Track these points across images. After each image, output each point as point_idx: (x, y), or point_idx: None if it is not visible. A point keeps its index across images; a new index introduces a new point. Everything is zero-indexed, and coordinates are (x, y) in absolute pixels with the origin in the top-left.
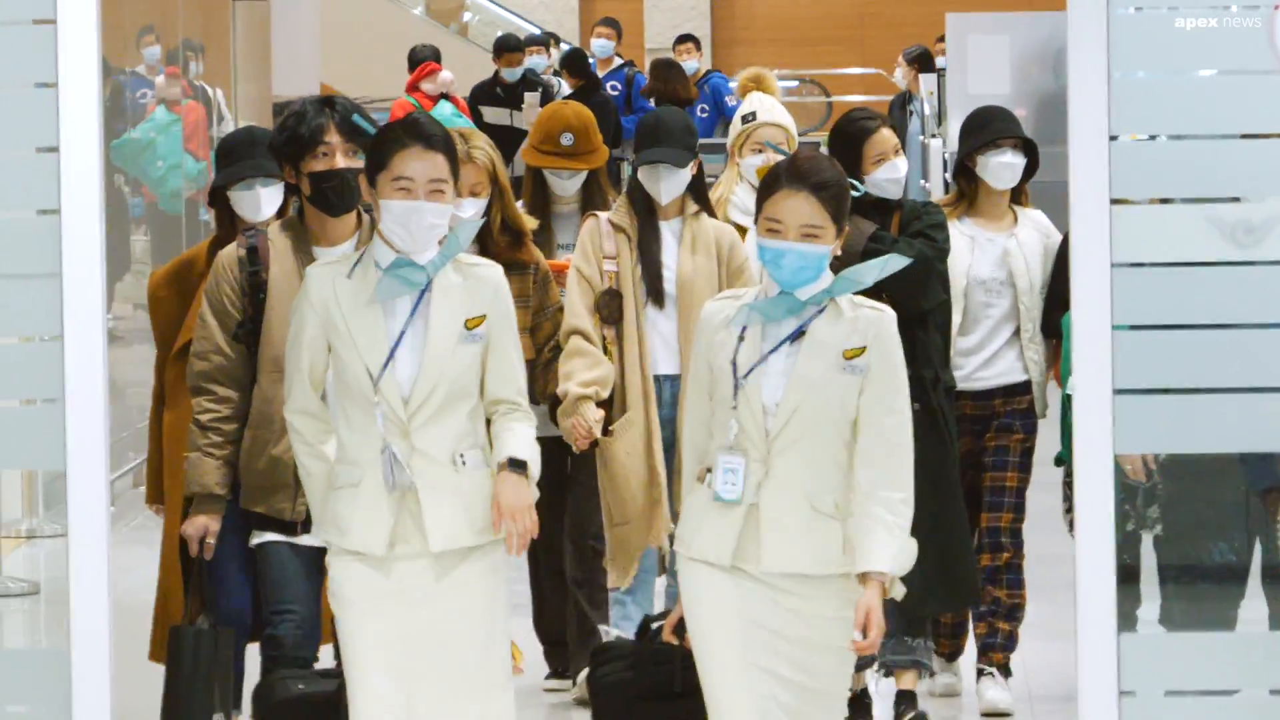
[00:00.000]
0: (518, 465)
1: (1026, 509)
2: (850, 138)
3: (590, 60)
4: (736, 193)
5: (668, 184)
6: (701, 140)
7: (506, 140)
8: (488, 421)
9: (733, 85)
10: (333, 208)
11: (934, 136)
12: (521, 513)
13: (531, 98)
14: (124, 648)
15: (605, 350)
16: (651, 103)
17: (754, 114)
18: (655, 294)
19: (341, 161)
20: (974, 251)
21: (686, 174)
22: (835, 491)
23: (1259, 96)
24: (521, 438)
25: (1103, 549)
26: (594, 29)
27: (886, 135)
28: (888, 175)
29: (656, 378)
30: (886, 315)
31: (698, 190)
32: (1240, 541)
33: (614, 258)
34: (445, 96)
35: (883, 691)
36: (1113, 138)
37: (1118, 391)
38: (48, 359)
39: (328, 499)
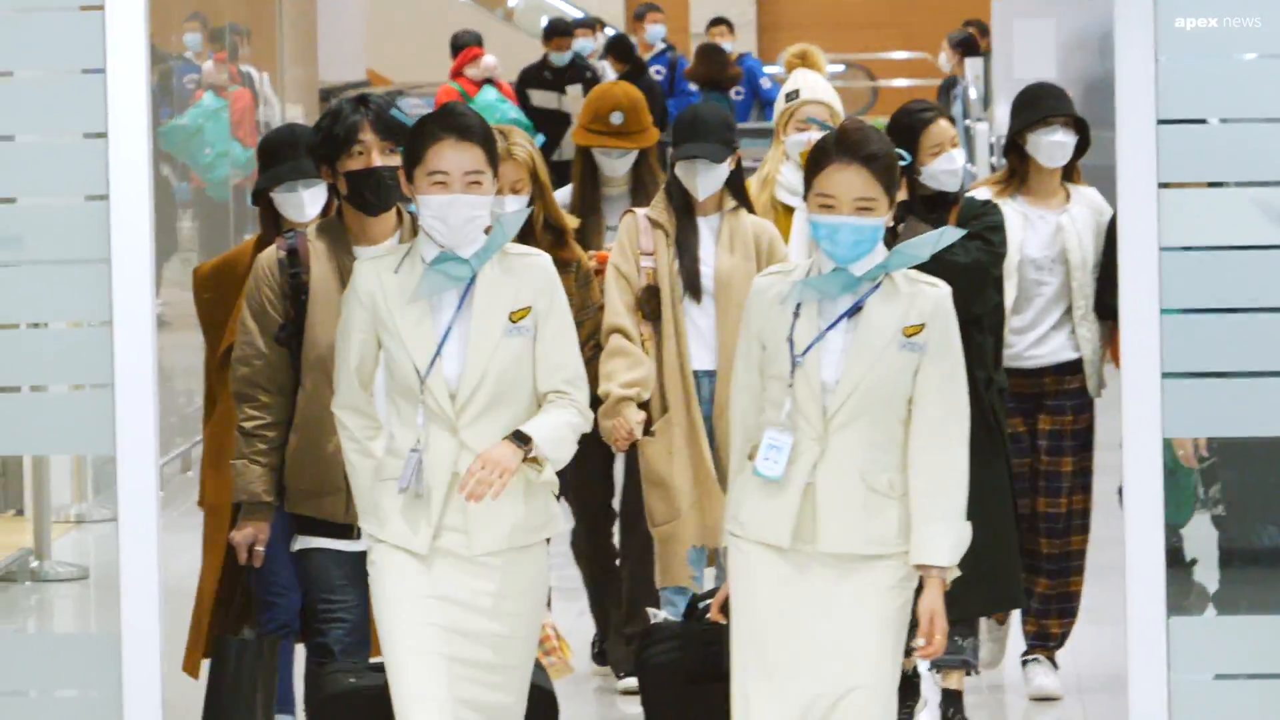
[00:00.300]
0: (520, 437)
1: (1092, 490)
2: (907, 129)
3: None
4: (782, 172)
5: (704, 179)
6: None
7: (554, 124)
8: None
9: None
10: (370, 206)
11: (979, 121)
12: (493, 465)
13: (574, 90)
14: (173, 632)
15: (643, 347)
16: (693, 87)
17: (797, 92)
18: (693, 290)
19: (378, 160)
20: (1026, 229)
21: (724, 169)
22: (891, 470)
23: None
24: (547, 421)
25: (1152, 533)
26: (647, 14)
27: (944, 126)
28: (944, 167)
29: (698, 373)
30: (943, 291)
31: (736, 186)
32: None
33: (652, 254)
34: (490, 81)
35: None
36: (1160, 122)
37: (1165, 375)
38: (98, 344)
39: (373, 489)
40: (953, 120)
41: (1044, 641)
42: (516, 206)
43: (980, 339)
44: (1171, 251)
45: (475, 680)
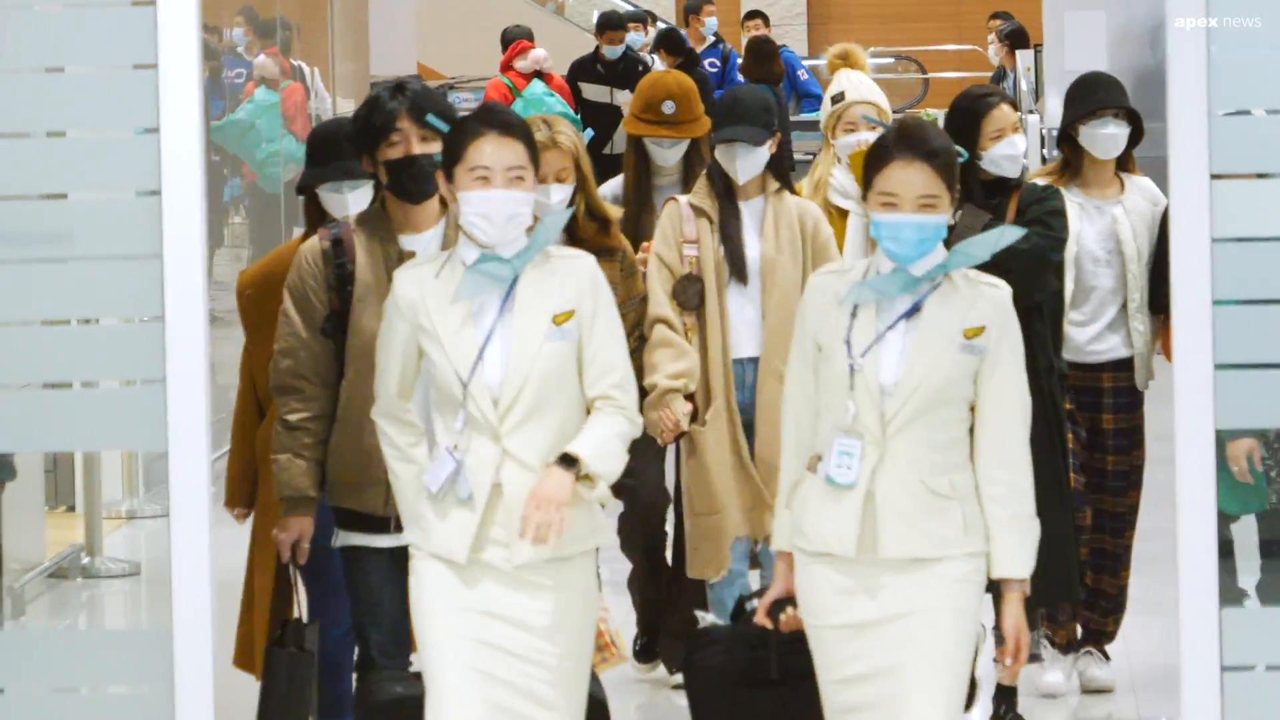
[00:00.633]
0: (567, 460)
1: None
2: (968, 114)
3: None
4: (834, 175)
5: (744, 163)
6: None
7: (606, 118)
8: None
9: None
10: (411, 195)
11: (1030, 113)
12: (548, 504)
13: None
14: (224, 627)
15: (685, 336)
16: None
17: (843, 94)
18: (739, 273)
19: (416, 148)
20: (1082, 220)
21: (764, 152)
22: (951, 471)
23: None
24: (596, 437)
25: (1204, 524)
26: (703, 7)
27: (1006, 111)
28: (1005, 152)
29: (741, 361)
30: (1004, 292)
31: (778, 168)
32: None
33: (694, 241)
34: (539, 74)
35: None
36: (1212, 113)
37: (1218, 367)
38: (150, 340)
39: (419, 497)
40: (1015, 105)
41: (1096, 635)
42: (561, 195)
43: (1040, 326)
44: (1224, 243)
45: (519, 694)
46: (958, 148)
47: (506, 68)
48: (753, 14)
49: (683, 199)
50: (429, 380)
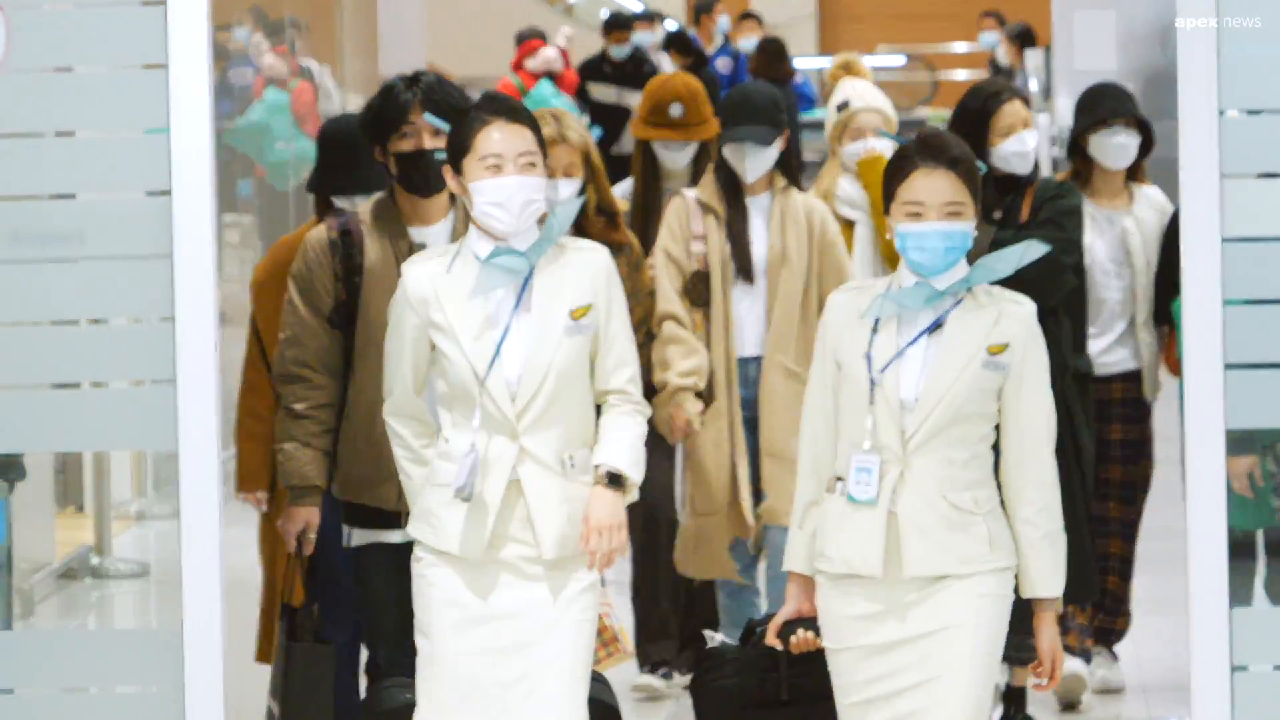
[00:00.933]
0: (615, 480)
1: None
2: (978, 111)
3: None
4: (840, 185)
5: (753, 161)
6: None
7: (614, 118)
8: (598, 409)
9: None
10: (420, 188)
11: (1040, 112)
12: (610, 531)
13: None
14: (234, 627)
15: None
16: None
17: (848, 101)
18: (745, 272)
19: (428, 142)
20: (1093, 231)
21: (773, 150)
22: (974, 487)
23: None
24: (625, 443)
25: (1213, 524)
26: (715, 6)
27: (1016, 108)
28: (1014, 148)
29: (745, 359)
30: (1028, 309)
31: (786, 165)
32: None
33: (702, 238)
34: (550, 75)
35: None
36: (1222, 112)
37: (1229, 366)
38: (160, 340)
39: (427, 496)
40: (1027, 101)
41: (1105, 637)
42: (570, 190)
43: (1055, 325)
44: (1234, 242)
45: (520, 694)
46: (978, 162)
47: (517, 67)
48: (746, 15)
49: (689, 193)
50: (439, 376)
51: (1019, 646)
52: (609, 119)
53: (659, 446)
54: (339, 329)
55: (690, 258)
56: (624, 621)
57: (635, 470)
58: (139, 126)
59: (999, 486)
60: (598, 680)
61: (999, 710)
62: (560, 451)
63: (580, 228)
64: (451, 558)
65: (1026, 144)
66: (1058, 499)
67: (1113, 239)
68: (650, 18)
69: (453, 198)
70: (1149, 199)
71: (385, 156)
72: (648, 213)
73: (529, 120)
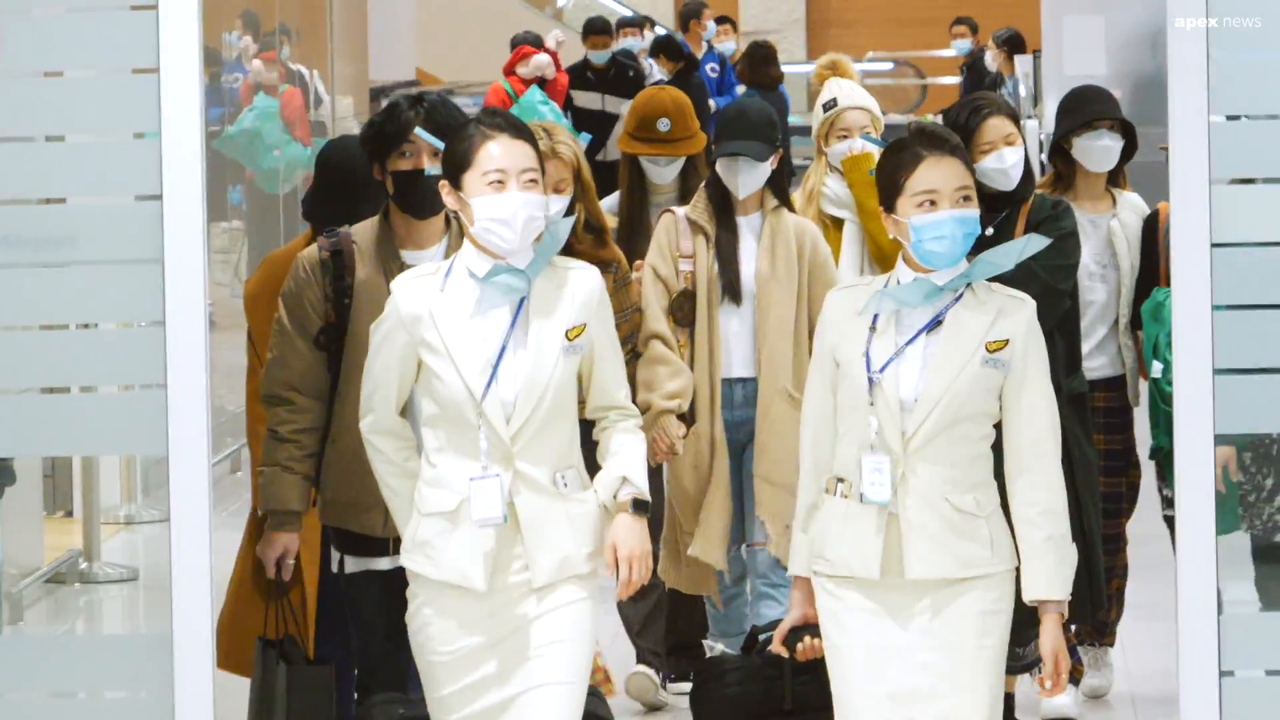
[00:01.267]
0: (640, 507)
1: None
2: (960, 127)
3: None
4: (828, 184)
5: (746, 178)
6: None
7: (597, 125)
8: (585, 424)
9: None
10: (415, 209)
11: (1029, 118)
12: (640, 559)
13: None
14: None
15: (679, 352)
16: (741, 88)
17: (835, 100)
18: (733, 292)
19: (426, 163)
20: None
21: (766, 168)
22: (976, 488)
23: None
24: (638, 463)
25: (1203, 529)
26: (703, 11)
27: (997, 124)
28: (995, 165)
29: (730, 380)
30: (1028, 305)
31: (778, 185)
32: None
33: (690, 257)
34: (541, 82)
35: None
36: (1212, 118)
37: (1218, 371)
38: (150, 344)
39: (418, 525)
40: (1013, 114)
41: (1092, 643)
42: (559, 206)
43: (1048, 348)
44: (1223, 248)
45: (519, 712)
46: None
47: (509, 72)
48: (722, 19)
49: (680, 211)
50: (425, 397)
51: (1011, 655)
52: (592, 126)
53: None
54: (326, 350)
55: (678, 276)
56: (613, 650)
57: (649, 491)
58: (128, 131)
59: (1001, 489)
60: (593, 694)
61: None
62: (552, 472)
63: (568, 244)
64: (451, 589)
65: (1006, 161)
66: (1063, 501)
67: (1098, 243)
68: (639, 23)
69: (447, 222)
70: (1131, 204)
71: (384, 175)
72: (633, 227)
73: (530, 136)
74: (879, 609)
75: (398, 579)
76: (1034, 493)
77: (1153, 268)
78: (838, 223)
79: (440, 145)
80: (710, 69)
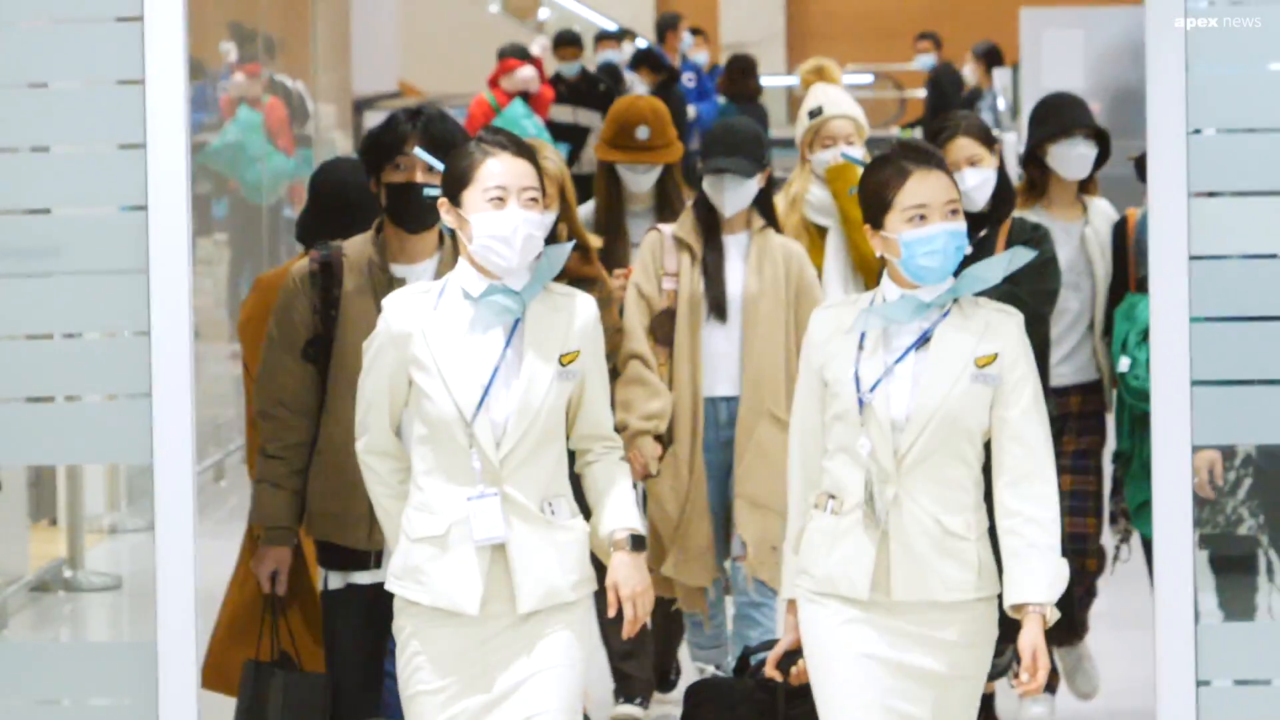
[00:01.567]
0: (638, 543)
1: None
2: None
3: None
4: (811, 191)
5: (732, 195)
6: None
7: (570, 138)
8: (571, 457)
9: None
10: (407, 222)
11: (1008, 131)
12: (643, 597)
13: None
14: (204, 640)
15: (659, 371)
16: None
17: (820, 108)
18: (718, 310)
19: (420, 176)
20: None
21: (753, 185)
22: (966, 511)
23: None
24: (629, 497)
25: (1180, 539)
26: (680, 23)
27: (963, 144)
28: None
29: (715, 399)
30: (1015, 318)
31: (765, 205)
32: None
33: (674, 275)
34: (525, 95)
35: None
36: (1191, 132)
37: (1195, 383)
38: (135, 354)
39: (407, 551)
40: (984, 131)
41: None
42: (545, 223)
43: None
44: (1201, 260)
45: None
46: None
47: (493, 84)
48: (695, 31)
49: (666, 229)
50: (416, 417)
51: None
52: (565, 138)
53: None
54: (315, 363)
55: (661, 294)
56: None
57: (640, 527)
58: (113, 142)
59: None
60: None
61: None
62: (541, 498)
63: None
64: (441, 616)
65: (967, 182)
66: (1054, 513)
67: (1071, 250)
68: (617, 37)
69: (440, 239)
70: (1101, 211)
71: (378, 186)
72: (611, 236)
73: (531, 155)
74: (861, 616)
75: (381, 606)
76: (1024, 503)
77: (1122, 274)
78: (821, 230)
79: (438, 165)
80: (687, 78)
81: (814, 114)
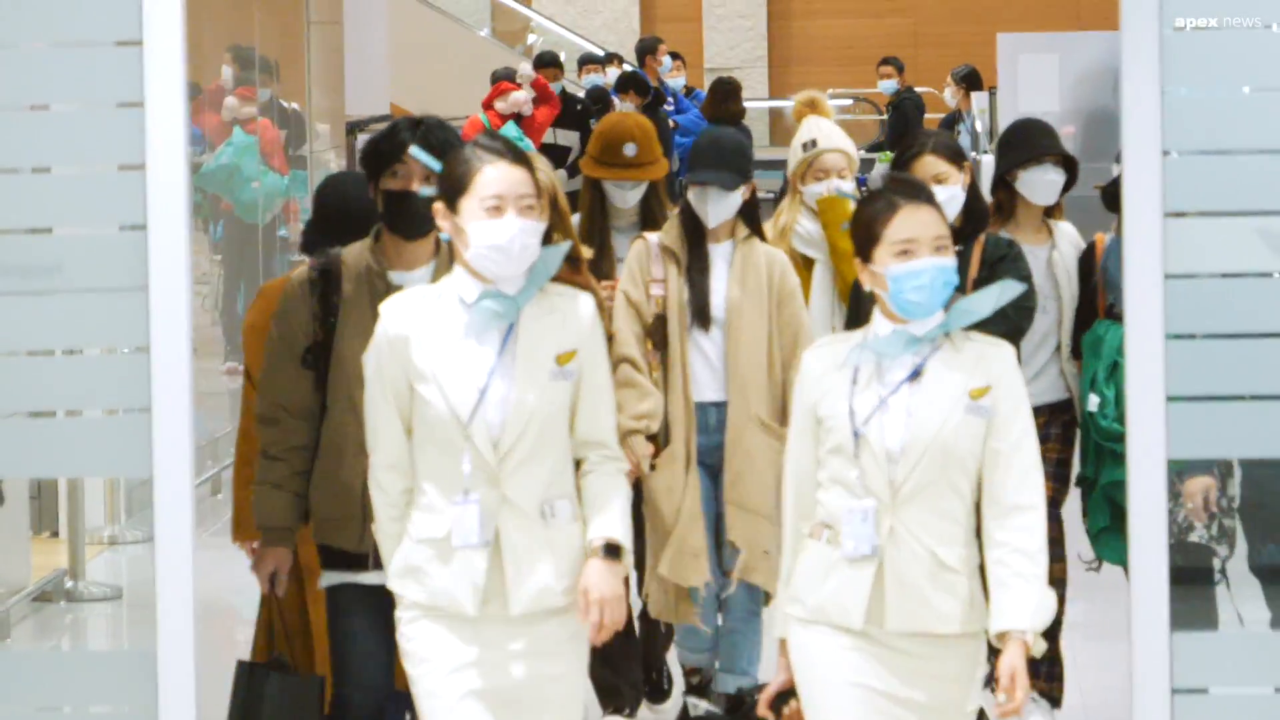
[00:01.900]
0: (611, 551)
1: (1063, 520)
2: (900, 164)
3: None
4: (801, 222)
5: (716, 206)
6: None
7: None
8: (577, 464)
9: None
10: (403, 230)
11: (986, 153)
12: (612, 604)
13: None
14: (205, 648)
15: (650, 377)
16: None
17: (814, 141)
18: (703, 319)
19: (416, 184)
20: None
21: (737, 197)
22: (959, 544)
23: None
24: (618, 511)
25: (1156, 550)
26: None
27: (929, 161)
28: None
29: (702, 405)
30: (1006, 350)
31: (749, 214)
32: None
33: (661, 281)
34: (518, 118)
35: None
36: (1165, 153)
37: (1170, 399)
38: (135, 370)
39: (407, 551)
40: (950, 151)
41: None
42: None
43: None
44: (1176, 279)
45: None
46: None
47: (488, 106)
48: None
49: (651, 237)
50: (417, 420)
51: None
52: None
53: None
54: (314, 369)
55: (649, 301)
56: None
57: (628, 538)
58: (113, 163)
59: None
60: None
61: None
62: (541, 500)
63: None
64: (440, 613)
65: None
66: (1038, 545)
67: (1038, 273)
68: (601, 61)
69: (437, 246)
70: (1066, 235)
71: (376, 193)
72: (596, 251)
73: (528, 163)
74: (858, 661)
75: (379, 594)
76: (1013, 534)
77: (1091, 298)
78: (808, 262)
79: (434, 166)
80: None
81: (808, 146)
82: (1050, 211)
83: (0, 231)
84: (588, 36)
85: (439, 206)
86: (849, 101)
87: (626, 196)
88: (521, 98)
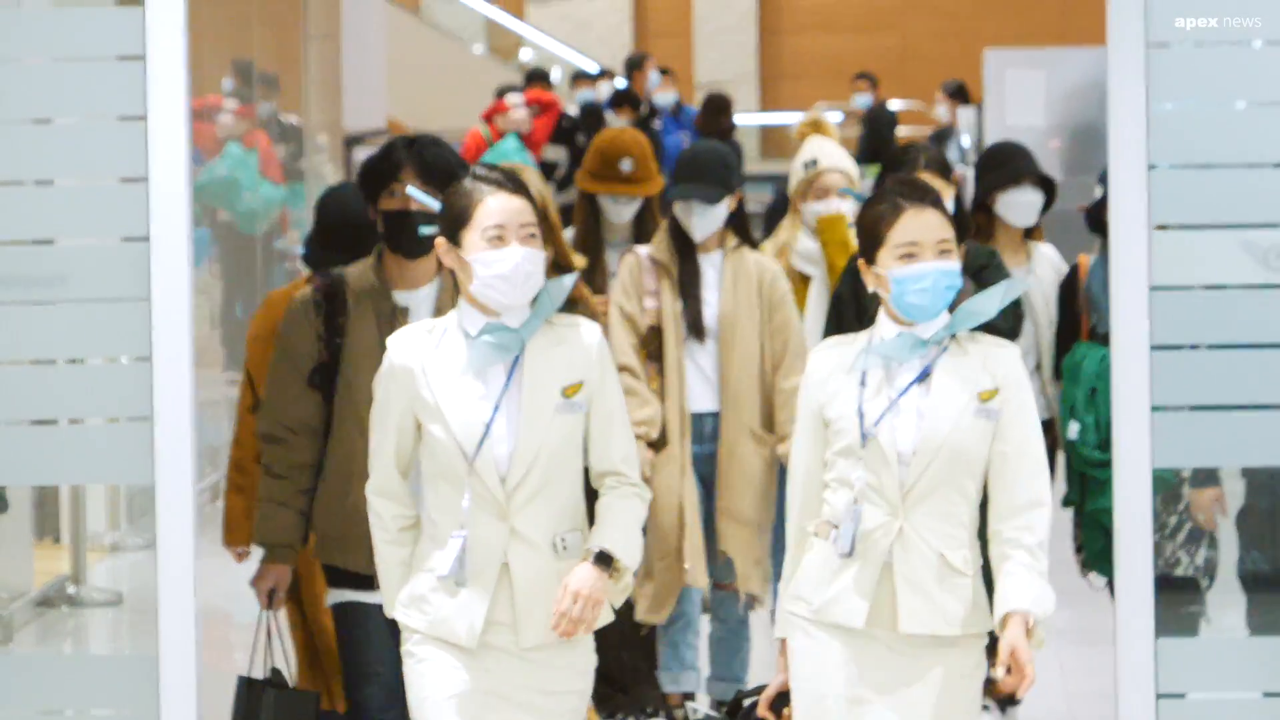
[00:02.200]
0: (603, 559)
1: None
2: (881, 175)
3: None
4: (799, 240)
5: (700, 220)
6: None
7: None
8: (592, 495)
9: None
10: (403, 249)
11: (973, 166)
12: (586, 601)
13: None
14: (205, 652)
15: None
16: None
17: (814, 160)
18: (695, 329)
19: (413, 204)
20: None
21: (722, 209)
22: (965, 546)
23: None
24: (621, 525)
25: (1141, 557)
26: (644, 61)
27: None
28: None
29: (697, 415)
30: (1012, 352)
31: (738, 224)
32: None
33: (654, 293)
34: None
35: None
36: (1151, 167)
37: (1155, 408)
38: (137, 379)
39: (414, 581)
40: (940, 166)
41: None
42: None
43: None
44: (1161, 291)
45: None
46: None
47: (488, 119)
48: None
49: (642, 250)
50: (424, 454)
51: None
52: None
53: None
54: (320, 389)
55: (644, 313)
56: None
57: (627, 556)
58: (114, 176)
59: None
60: None
61: None
62: (552, 533)
63: None
64: (443, 642)
65: None
66: (1041, 541)
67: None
68: (593, 77)
69: (439, 263)
70: (1046, 256)
71: (375, 214)
72: (590, 265)
73: (527, 191)
74: (855, 657)
75: (389, 623)
76: (1019, 532)
77: (1074, 320)
78: (805, 279)
79: (433, 205)
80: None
81: (809, 165)
82: (1030, 233)
83: (4, 243)
84: (582, 51)
85: (441, 242)
86: (839, 116)
87: (621, 211)
88: (521, 116)
